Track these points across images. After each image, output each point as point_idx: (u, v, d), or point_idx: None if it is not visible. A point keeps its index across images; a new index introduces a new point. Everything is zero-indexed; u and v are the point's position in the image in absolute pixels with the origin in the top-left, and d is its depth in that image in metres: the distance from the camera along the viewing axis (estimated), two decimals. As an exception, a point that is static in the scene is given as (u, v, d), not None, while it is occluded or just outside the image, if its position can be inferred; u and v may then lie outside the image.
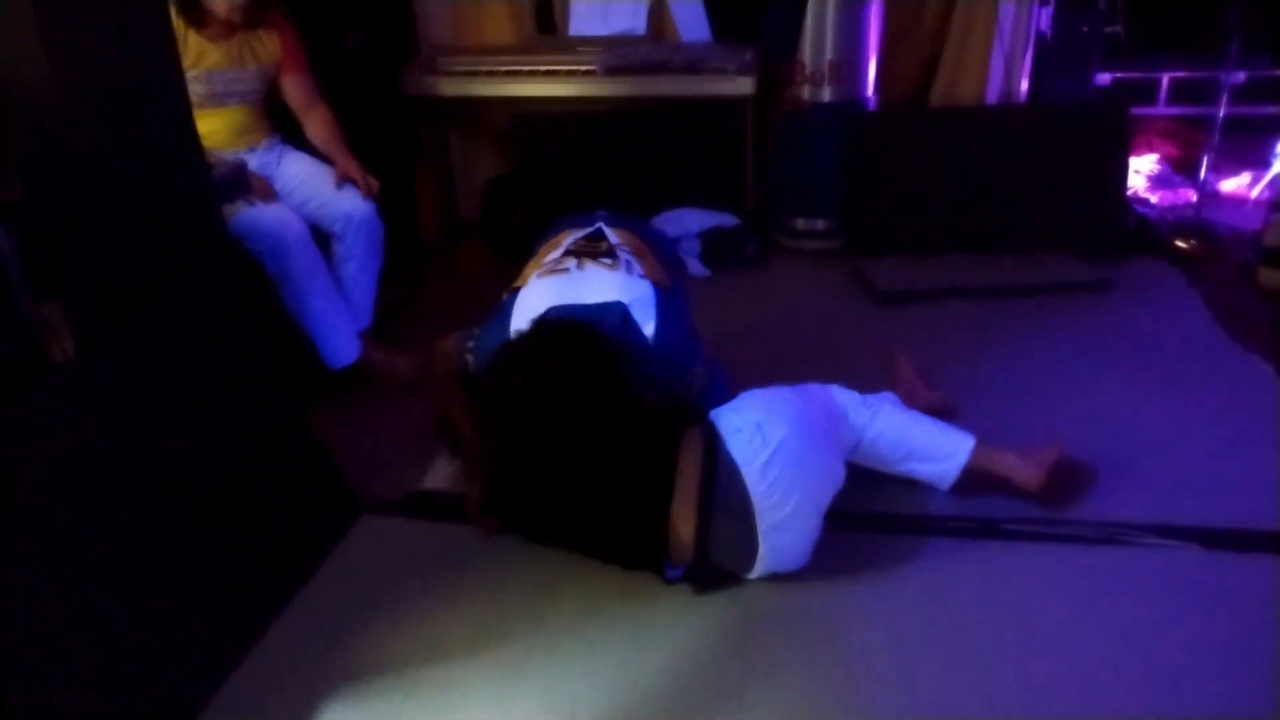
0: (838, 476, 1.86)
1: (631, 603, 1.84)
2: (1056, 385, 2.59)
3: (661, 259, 2.11)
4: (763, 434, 1.74)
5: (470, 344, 2.01)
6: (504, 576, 1.95)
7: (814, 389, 1.98)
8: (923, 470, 2.04)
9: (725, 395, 1.96)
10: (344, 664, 1.73)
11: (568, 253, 2.06)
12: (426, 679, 1.69)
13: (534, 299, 1.95)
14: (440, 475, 2.32)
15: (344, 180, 2.76)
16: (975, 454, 2.00)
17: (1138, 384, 2.55)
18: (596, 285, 1.95)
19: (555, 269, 2.02)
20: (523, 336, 1.84)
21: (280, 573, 1.95)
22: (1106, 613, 1.74)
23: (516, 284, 2.07)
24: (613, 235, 2.08)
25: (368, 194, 2.77)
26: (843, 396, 2.00)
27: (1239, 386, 2.52)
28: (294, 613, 1.89)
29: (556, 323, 1.85)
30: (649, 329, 1.91)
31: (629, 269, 1.99)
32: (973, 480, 2.03)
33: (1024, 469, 2.00)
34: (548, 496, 1.82)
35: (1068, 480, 2.07)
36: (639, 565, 1.85)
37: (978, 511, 2.03)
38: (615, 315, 1.89)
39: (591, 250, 2.03)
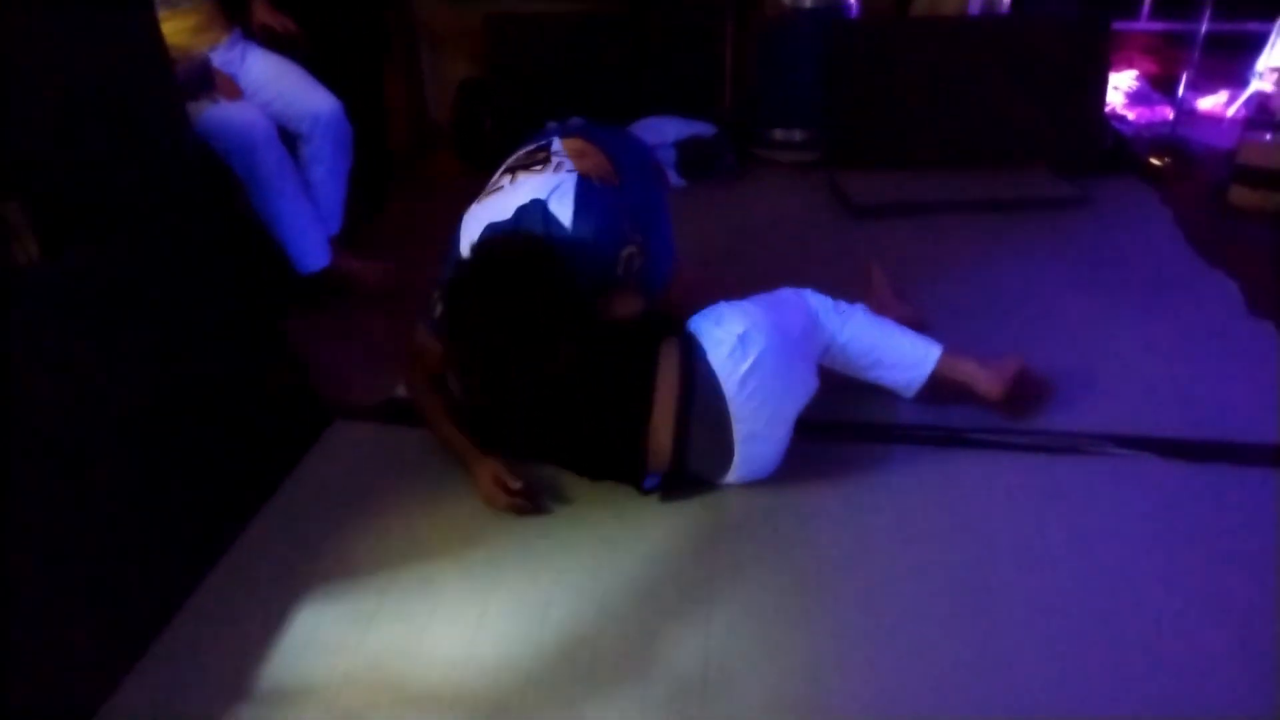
0: (811, 385, 1.89)
1: (604, 508, 1.86)
2: (1027, 299, 2.62)
3: (616, 159, 2.06)
4: (744, 346, 1.75)
5: (435, 297, 1.97)
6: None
7: (788, 294, 2.00)
8: (889, 377, 2.07)
9: (665, 273, 2.00)
10: (318, 566, 1.75)
11: (505, 170, 2.04)
12: (402, 579, 1.72)
13: (474, 223, 1.93)
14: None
15: (261, 27, 2.74)
16: (940, 362, 2.04)
17: (1106, 299, 2.59)
18: (522, 192, 1.92)
19: (492, 189, 2.01)
20: (459, 274, 1.81)
21: (252, 478, 1.96)
22: (1065, 519, 1.79)
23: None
24: (557, 145, 2.04)
25: (284, 31, 2.78)
26: (815, 301, 2.02)
27: (1204, 303, 2.56)
28: (267, 517, 1.90)
29: (484, 248, 1.83)
30: (566, 218, 1.87)
31: (556, 168, 1.96)
32: (937, 388, 2.07)
33: (985, 378, 2.03)
34: (528, 418, 1.83)
35: (1028, 393, 2.11)
36: (618, 477, 1.87)
37: (943, 421, 2.07)
38: (533, 215, 1.87)
39: (528, 162, 2.01)
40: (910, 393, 2.08)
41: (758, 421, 1.77)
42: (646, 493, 1.85)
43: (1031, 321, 2.49)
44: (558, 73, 3.78)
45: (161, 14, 2.40)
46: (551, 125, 2.53)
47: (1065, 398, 2.14)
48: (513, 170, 2.00)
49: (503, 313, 1.72)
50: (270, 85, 2.65)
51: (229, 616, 1.65)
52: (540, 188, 1.90)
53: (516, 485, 1.85)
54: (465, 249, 1.89)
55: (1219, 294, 2.60)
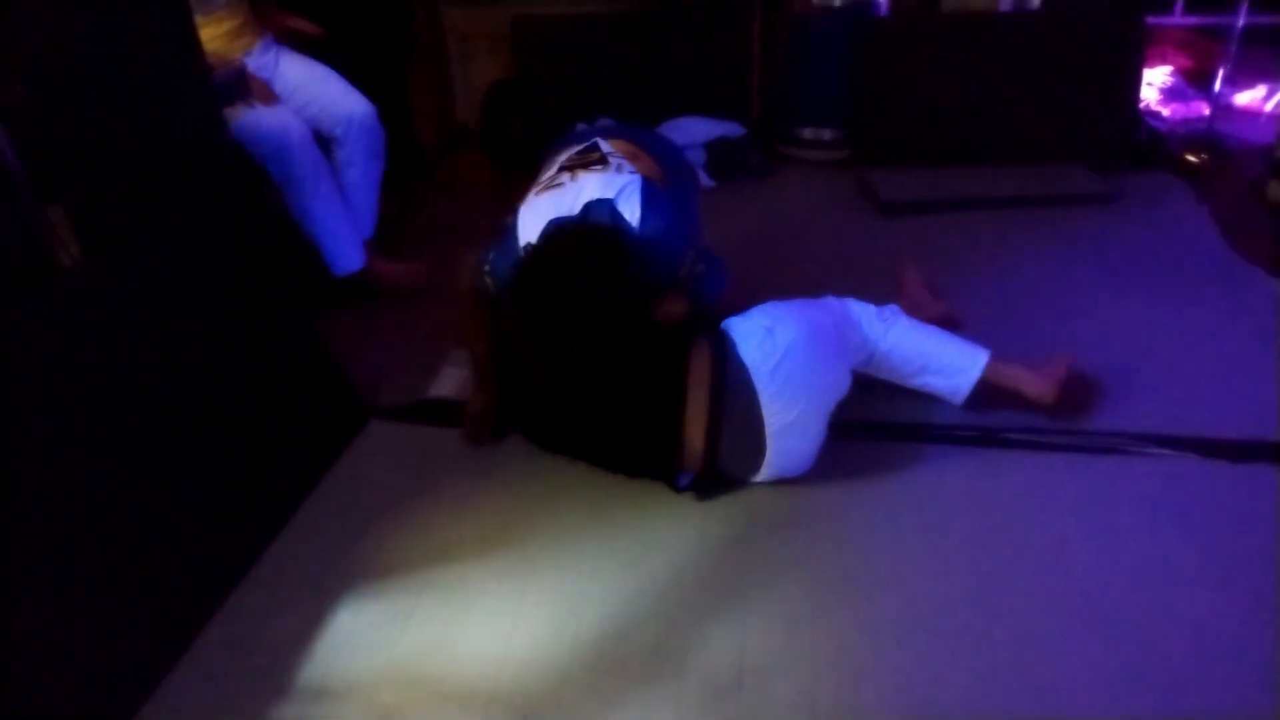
0: (843, 384, 1.88)
1: (638, 507, 1.87)
2: (1062, 297, 2.59)
3: (661, 161, 2.09)
4: (773, 338, 1.76)
5: (485, 265, 2.00)
6: (512, 482, 1.98)
7: (830, 301, 2.00)
8: (936, 384, 2.06)
9: (722, 284, 2.01)
10: (356, 565, 1.77)
11: (562, 168, 2.04)
12: (438, 578, 1.73)
13: (534, 216, 1.94)
14: (447, 383, 2.33)
15: (284, 32, 2.77)
16: (987, 368, 2.01)
17: (1142, 297, 2.56)
18: (588, 190, 1.93)
19: (551, 185, 2.01)
20: (531, 258, 1.84)
21: (289, 478, 1.98)
22: (1103, 520, 1.77)
23: (517, 202, 2.05)
24: (606, 146, 2.06)
25: (307, 33, 2.84)
26: (858, 309, 2.01)
27: (1242, 301, 2.52)
28: (304, 517, 1.92)
29: (558, 234, 1.85)
30: (634, 218, 1.89)
31: (619, 169, 1.97)
32: (985, 394, 2.04)
33: (1036, 383, 2.01)
34: (565, 409, 1.84)
35: (1077, 395, 2.08)
36: (652, 474, 1.88)
37: (978, 421, 2.05)
38: (603, 211, 1.89)
39: (584, 162, 2.02)
40: (958, 399, 2.06)
41: (789, 413, 1.77)
42: (681, 491, 1.86)
43: (1065, 319, 2.47)
44: (585, 74, 3.79)
45: (198, 20, 2.45)
46: (581, 127, 2.53)
47: (1105, 396, 2.11)
48: (571, 169, 2.00)
49: (573, 290, 1.77)
50: (304, 89, 2.68)
51: (268, 614, 1.67)
52: (605, 187, 1.92)
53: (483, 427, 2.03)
54: (528, 236, 1.90)
55: (1257, 291, 2.56)
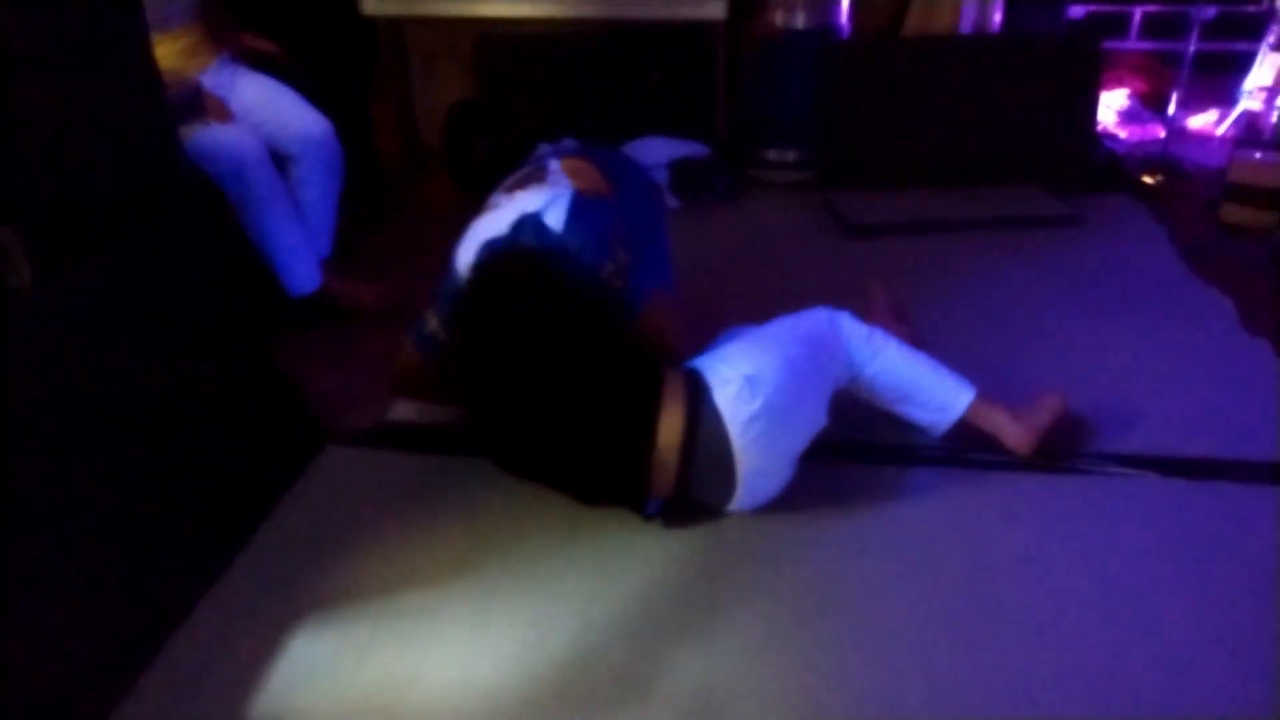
0: (820, 421, 1.85)
1: (604, 532, 1.84)
2: (1024, 318, 2.61)
3: (611, 177, 2.05)
4: (751, 388, 1.71)
5: (429, 314, 1.99)
6: (475, 506, 1.94)
7: (819, 317, 1.95)
8: (916, 415, 2.02)
9: (644, 297, 1.98)
10: (312, 593, 1.72)
11: (503, 189, 2.03)
12: (398, 606, 1.69)
13: (470, 241, 1.93)
14: (407, 407, 2.29)
15: (241, 51, 2.76)
16: (969, 410, 1.98)
17: (1103, 317, 2.59)
18: (517, 206, 1.92)
19: (489, 208, 2.01)
20: (466, 293, 1.85)
21: (244, 503, 1.93)
22: (1068, 540, 1.77)
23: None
24: (555, 164, 2.04)
25: (267, 52, 2.83)
26: (849, 329, 1.95)
27: (1200, 320, 2.55)
28: (260, 543, 1.86)
29: (486, 264, 1.86)
30: (558, 225, 1.87)
31: (554, 184, 1.96)
32: (964, 430, 2.01)
33: (1015, 432, 1.96)
34: (528, 434, 1.81)
35: (1059, 440, 2.01)
36: (619, 501, 1.85)
37: (947, 442, 2.05)
38: (527, 227, 1.87)
39: (524, 181, 2.01)
40: (936, 433, 2.03)
41: (763, 460, 1.75)
42: (649, 518, 1.83)
43: (1026, 339, 2.49)
44: (550, 94, 3.78)
45: (153, 38, 2.40)
46: (544, 147, 2.52)
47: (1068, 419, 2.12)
48: (510, 189, 2.00)
49: (512, 329, 1.75)
50: (260, 107, 2.64)
51: (222, 645, 1.62)
52: (535, 201, 1.91)
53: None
54: (463, 267, 1.89)
55: (1214, 311, 2.60)
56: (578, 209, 1.89)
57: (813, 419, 1.84)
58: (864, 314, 2.26)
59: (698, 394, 1.73)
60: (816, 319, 1.95)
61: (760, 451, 1.74)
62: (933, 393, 1.99)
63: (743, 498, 1.80)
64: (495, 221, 1.92)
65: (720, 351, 1.84)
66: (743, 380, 1.71)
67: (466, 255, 1.91)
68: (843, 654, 1.55)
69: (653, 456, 1.73)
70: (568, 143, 2.34)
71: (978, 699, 1.45)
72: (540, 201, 1.90)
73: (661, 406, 1.72)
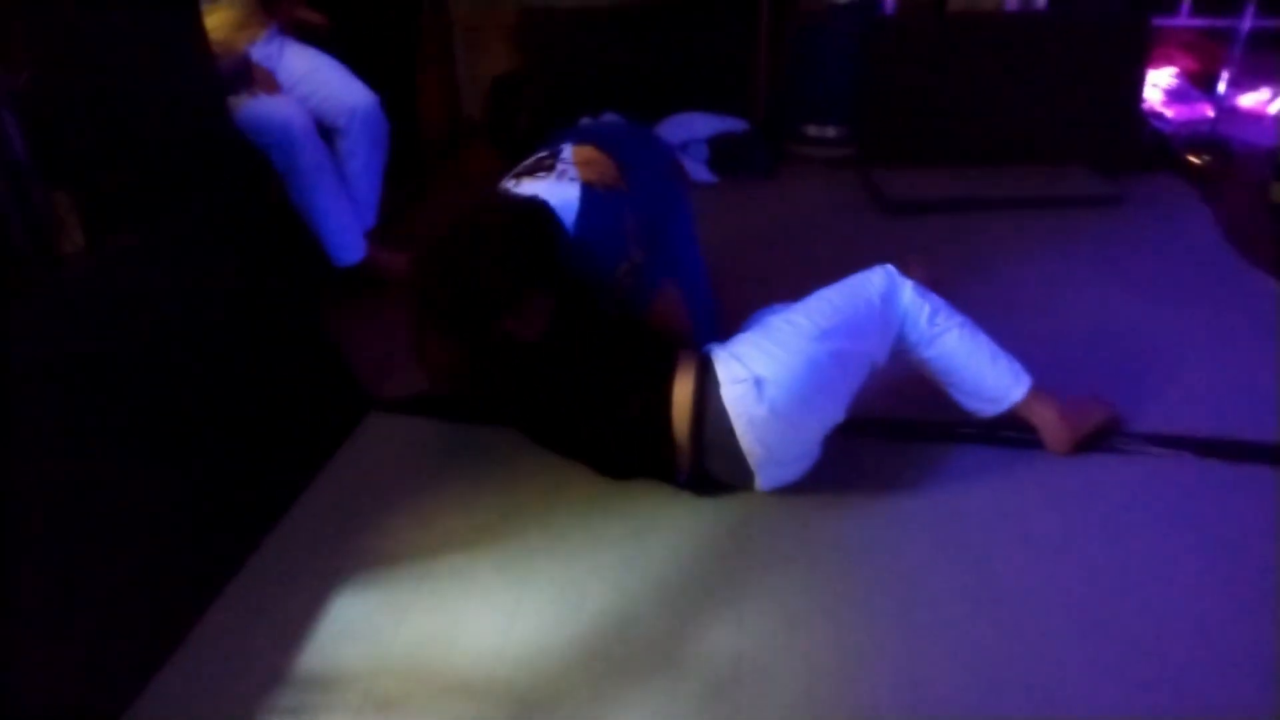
0: (836, 419, 1.81)
1: (638, 502, 1.87)
2: (1064, 297, 2.59)
3: (626, 163, 2.02)
4: (759, 389, 1.68)
5: None
6: (513, 474, 1.98)
7: (871, 297, 1.84)
8: (963, 400, 1.97)
9: (650, 298, 1.95)
10: (354, 556, 1.77)
11: (511, 176, 2.03)
12: (438, 568, 1.73)
13: None
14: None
15: (289, 22, 2.77)
16: (1019, 403, 1.93)
17: (1145, 298, 2.56)
18: (526, 193, 1.92)
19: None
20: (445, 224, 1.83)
21: (289, 468, 1.98)
22: (1101, 518, 1.78)
23: None
24: (567, 152, 2.02)
25: (314, 23, 2.85)
26: (910, 305, 1.86)
27: (1244, 302, 2.52)
28: (303, 507, 1.92)
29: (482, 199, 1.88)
30: (570, 220, 1.87)
31: (560, 176, 1.94)
32: (1007, 418, 1.97)
33: (1056, 432, 1.94)
34: (551, 412, 1.84)
35: (1092, 441, 1.98)
36: (647, 473, 1.88)
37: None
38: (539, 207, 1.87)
39: (533, 169, 2.00)
40: (979, 417, 1.98)
41: (772, 455, 1.75)
42: (681, 486, 1.86)
43: (1068, 319, 2.47)
44: (592, 67, 3.79)
45: (204, 8, 2.45)
46: (585, 121, 2.54)
47: (1103, 396, 2.11)
48: (518, 176, 2.00)
49: (468, 248, 1.73)
50: (307, 79, 2.68)
51: (267, 604, 1.68)
52: (545, 193, 1.89)
53: None
54: None
55: (1259, 292, 2.57)
56: (588, 204, 1.88)
57: (828, 419, 1.80)
58: None
59: (705, 386, 1.72)
60: (869, 295, 1.84)
61: (767, 449, 1.73)
62: (986, 384, 1.92)
63: (763, 483, 1.81)
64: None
65: (740, 340, 1.80)
66: (752, 381, 1.69)
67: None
68: (873, 629, 1.57)
69: (672, 433, 1.74)
70: (609, 116, 2.35)
71: (1005, 681, 1.46)
72: (550, 196, 1.88)
73: (673, 388, 1.73)
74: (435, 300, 1.77)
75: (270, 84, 2.57)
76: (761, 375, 1.69)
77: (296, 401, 2.07)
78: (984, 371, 1.92)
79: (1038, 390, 1.93)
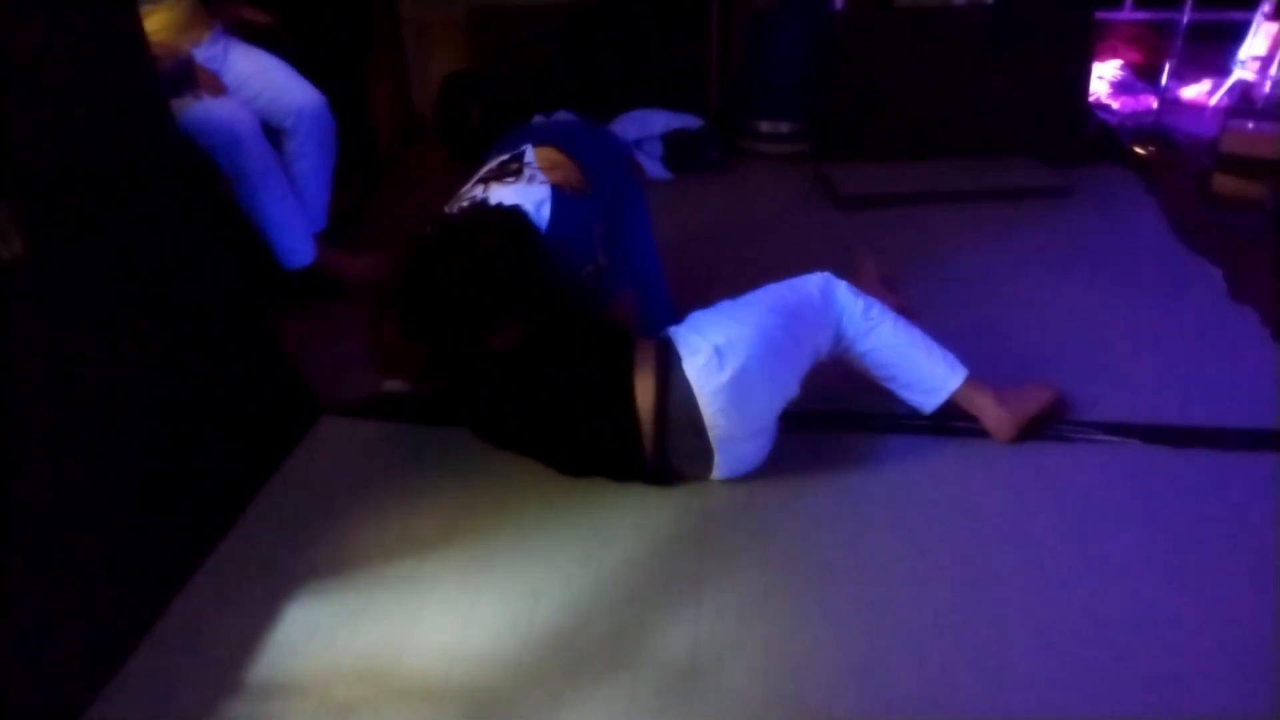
0: (791, 391, 1.85)
1: (593, 501, 1.87)
2: (1014, 288, 2.63)
3: (588, 167, 2.03)
4: (720, 358, 1.73)
5: None
6: (467, 476, 1.97)
7: (810, 290, 1.93)
8: (904, 394, 2.03)
9: (607, 301, 1.98)
10: (308, 560, 1.75)
11: (479, 180, 2.02)
12: (393, 573, 1.72)
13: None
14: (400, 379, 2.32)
15: (234, 23, 2.74)
16: (957, 393, 1.98)
17: (1092, 286, 2.61)
18: (497, 200, 1.90)
19: (465, 198, 1.99)
20: (429, 231, 1.81)
21: (240, 474, 1.95)
22: (1053, 506, 1.80)
23: None
24: (530, 155, 2.02)
25: (260, 23, 2.82)
26: (845, 301, 1.94)
27: (1189, 290, 2.57)
28: (256, 514, 1.89)
29: (467, 212, 1.86)
30: (542, 221, 1.87)
31: (530, 180, 1.94)
32: (946, 409, 2.01)
33: (997, 418, 1.97)
34: (498, 404, 1.84)
35: (1037, 428, 2.01)
36: (611, 474, 1.89)
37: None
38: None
39: (500, 174, 1.99)
40: (923, 411, 2.03)
41: (733, 428, 1.78)
42: (644, 477, 1.87)
43: (1017, 309, 2.51)
44: (544, 65, 3.77)
45: (143, 10, 2.40)
46: (538, 119, 2.52)
47: (1046, 379, 2.14)
48: (485, 181, 1.99)
49: (462, 272, 1.72)
50: (253, 81, 2.64)
51: (220, 611, 1.65)
52: (518, 198, 1.89)
53: None
54: None
55: (1203, 281, 2.62)
56: (559, 206, 1.89)
57: (784, 389, 1.84)
58: (854, 283, 2.27)
59: (668, 361, 1.76)
60: (808, 290, 1.94)
61: (729, 420, 1.76)
62: (922, 375, 1.99)
63: (721, 467, 1.83)
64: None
65: (693, 320, 1.86)
66: (712, 350, 1.74)
67: None
68: (827, 617, 1.58)
69: (637, 418, 1.76)
70: (562, 114, 2.34)
71: (964, 675, 1.47)
72: (524, 200, 1.88)
73: (635, 372, 1.76)
74: (417, 312, 1.76)
75: (215, 86, 2.53)
76: (720, 343, 1.74)
77: (247, 405, 2.04)
78: (920, 363, 1.98)
79: (975, 380, 1.98)
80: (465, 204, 1.93)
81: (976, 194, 3.23)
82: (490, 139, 2.23)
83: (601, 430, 1.80)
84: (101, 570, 1.61)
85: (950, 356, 2.00)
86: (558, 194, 1.91)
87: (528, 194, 1.90)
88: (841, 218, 3.19)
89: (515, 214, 1.83)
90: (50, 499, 1.53)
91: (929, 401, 2.01)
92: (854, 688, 1.45)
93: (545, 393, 1.80)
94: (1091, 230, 2.98)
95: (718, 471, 1.85)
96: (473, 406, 1.92)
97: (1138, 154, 3.52)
